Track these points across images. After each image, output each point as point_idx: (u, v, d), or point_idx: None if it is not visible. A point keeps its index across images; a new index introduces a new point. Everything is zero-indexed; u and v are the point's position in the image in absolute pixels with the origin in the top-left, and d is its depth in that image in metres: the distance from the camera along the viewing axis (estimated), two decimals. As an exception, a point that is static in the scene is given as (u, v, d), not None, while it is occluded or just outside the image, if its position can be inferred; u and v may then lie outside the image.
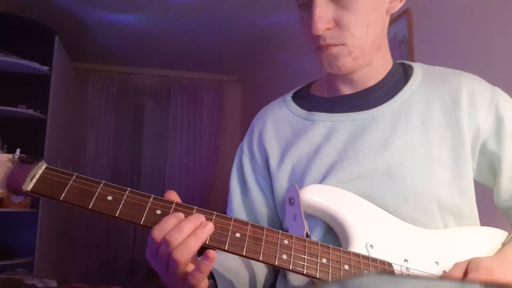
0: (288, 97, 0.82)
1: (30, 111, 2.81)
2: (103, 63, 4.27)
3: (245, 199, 0.80)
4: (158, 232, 0.51)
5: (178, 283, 0.53)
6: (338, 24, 0.64)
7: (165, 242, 0.50)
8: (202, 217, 0.53)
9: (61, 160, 3.22)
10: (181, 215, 0.53)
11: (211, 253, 0.51)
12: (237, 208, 0.79)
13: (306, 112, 0.76)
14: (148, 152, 4.54)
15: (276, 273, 0.78)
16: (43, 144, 2.82)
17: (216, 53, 4.03)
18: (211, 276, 0.62)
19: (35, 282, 2.06)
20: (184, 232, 0.50)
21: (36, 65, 2.83)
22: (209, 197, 4.38)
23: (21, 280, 2.08)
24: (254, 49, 3.85)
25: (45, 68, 2.88)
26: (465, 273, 0.56)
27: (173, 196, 0.56)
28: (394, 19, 1.95)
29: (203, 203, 4.33)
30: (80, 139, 4.10)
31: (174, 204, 0.55)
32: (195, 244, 0.51)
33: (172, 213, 0.54)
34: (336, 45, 0.66)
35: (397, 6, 0.70)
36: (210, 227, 0.52)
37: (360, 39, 0.65)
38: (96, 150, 4.18)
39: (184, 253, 0.50)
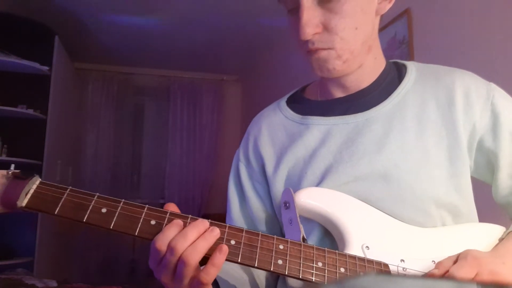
0: (283, 101, 0.82)
1: (30, 111, 2.82)
2: (103, 63, 4.28)
3: (243, 206, 0.79)
4: (160, 241, 0.51)
5: None
6: (326, 28, 0.64)
7: (170, 249, 0.51)
8: (206, 223, 0.53)
9: (61, 160, 3.22)
10: (181, 222, 0.53)
11: (224, 246, 0.52)
12: (236, 215, 0.79)
13: (300, 116, 0.76)
14: (148, 152, 4.54)
15: (277, 276, 0.77)
16: (43, 144, 2.83)
17: (216, 53, 4.03)
18: (214, 284, 0.62)
19: (35, 282, 2.06)
20: (189, 238, 0.51)
21: (36, 65, 2.83)
22: (209, 197, 4.38)
23: (21, 280, 2.08)
24: (254, 49, 3.85)
25: (45, 68, 2.88)
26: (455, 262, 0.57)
27: (171, 208, 0.56)
28: (394, 19, 1.95)
29: (203, 203, 4.34)
30: (80, 139, 4.10)
31: (168, 213, 0.55)
32: (204, 246, 0.51)
33: (166, 222, 0.54)
34: (324, 49, 0.65)
35: (387, 7, 0.70)
36: (217, 232, 0.53)
37: (349, 42, 0.65)
38: (96, 150, 4.18)
39: (194, 255, 0.50)
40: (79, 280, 2.79)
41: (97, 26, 3.45)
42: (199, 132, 4.44)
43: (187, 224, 0.54)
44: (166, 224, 0.54)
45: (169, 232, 0.52)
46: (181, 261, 0.50)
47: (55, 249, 3.22)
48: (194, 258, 0.50)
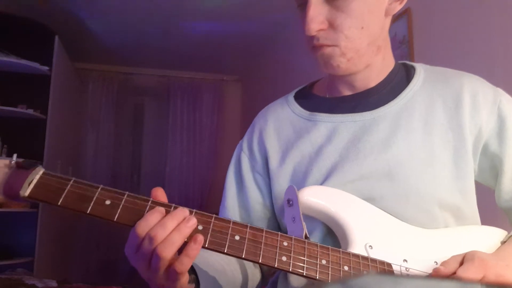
0: (291, 96, 0.82)
1: (30, 111, 2.81)
2: (103, 63, 4.27)
3: (240, 196, 0.79)
4: (141, 228, 0.51)
5: (159, 280, 0.52)
6: (331, 25, 0.65)
7: (149, 237, 0.50)
8: (185, 212, 0.52)
9: (61, 160, 3.22)
10: (163, 209, 0.52)
11: (199, 236, 0.51)
12: (231, 205, 0.79)
13: (308, 112, 0.76)
14: (148, 152, 4.54)
15: (263, 276, 0.77)
16: (43, 144, 2.82)
17: (216, 53, 4.03)
18: (193, 272, 0.61)
19: (35, 282, 2.06)
20: (168, 228, 0.50)
21: (36, 65, 2.83)
22: (209, 197, 4.37)
23: (21, 280, 2.08)
24: (254, 49, 3.85)
25: (45, 68, 2.88)
26: (461, 264, 0.57)
27: (159, 192, 0.55)
28: (394, 19, 1.95)
29: (203, 203, 4.33)
30: (80, 139, 4.10)
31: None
32: (179, 239, 0.50)
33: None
34: (329, 45, 0.66)
35: (397, 8, 0.70)
36: (193, 222, 0.52)
37: (354, 40, 0.65)
38: (96, 150, 4.18)
39: (168, 249, 0.50)
40: (79, 280, 2.79)
41: (97, 26, 3.45)
42: (199, 132, 4.44)
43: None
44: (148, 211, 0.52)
45: (151, 219, 0.51)
46: (155, 255, 0.50)
47: (55, 249, 3.21)
48: (168, 251, 0.50)
